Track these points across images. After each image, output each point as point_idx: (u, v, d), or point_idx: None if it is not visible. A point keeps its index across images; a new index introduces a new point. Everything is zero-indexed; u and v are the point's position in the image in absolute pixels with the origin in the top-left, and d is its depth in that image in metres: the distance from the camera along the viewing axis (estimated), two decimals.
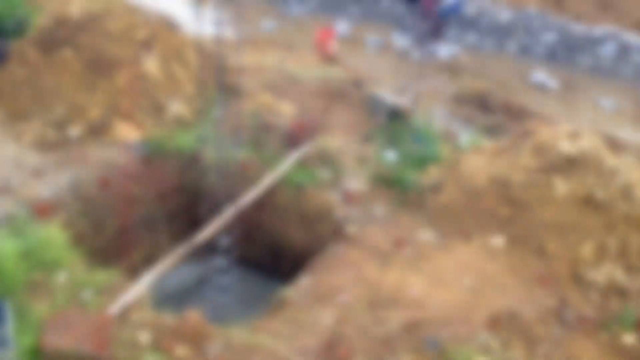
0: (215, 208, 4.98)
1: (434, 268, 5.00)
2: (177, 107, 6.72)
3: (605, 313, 5.15)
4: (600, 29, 11.84)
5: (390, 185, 6.57)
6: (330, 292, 4.76)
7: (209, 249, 5.13)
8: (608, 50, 11.68)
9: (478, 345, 4.17)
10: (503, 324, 4.53)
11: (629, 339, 4.93)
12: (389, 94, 8.32)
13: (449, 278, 4.86)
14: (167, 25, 9.02)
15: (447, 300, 4.54)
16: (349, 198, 6.15)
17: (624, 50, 11.55)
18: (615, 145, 8.56)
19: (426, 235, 5.67)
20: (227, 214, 4.98)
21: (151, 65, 6.86)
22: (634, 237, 5.48)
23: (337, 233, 5.68)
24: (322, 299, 4.67)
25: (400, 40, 12.96)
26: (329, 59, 10.24)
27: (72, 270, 4.38)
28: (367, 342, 4.07)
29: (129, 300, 4.17)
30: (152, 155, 6.22)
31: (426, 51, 11.40)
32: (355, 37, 13.38)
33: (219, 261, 5.06)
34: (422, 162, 7.09)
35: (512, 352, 4.31)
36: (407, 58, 8.70)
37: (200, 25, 4.13)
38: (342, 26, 13.64)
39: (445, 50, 12.60)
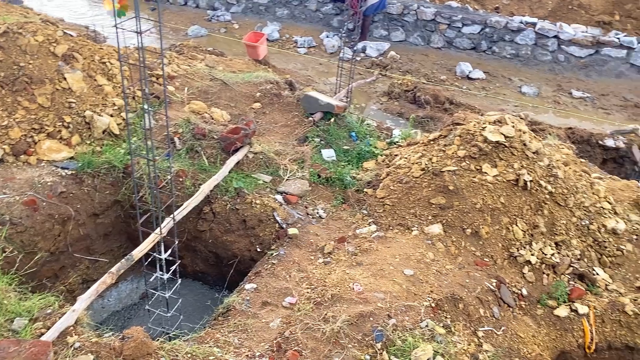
0: (151, 221, 4.86)
1: (375, 261, 5.08)
2: (105, 121, 6.52)
3: (539, 289, 5.42)
4: (517, 19, 12.43)
5: (330, 183, 6.65)
6: (276, 295, 4.76)
7: (148, 263, 5.00)
8: (526, 39, 12.28)
9: (423, 332, 4.28)
10: (445, 308, 4.68)
11: (562, 311, 5.21)
12: (322, 94, 8.39)
13: (391, 269, 4.96)
14: (89, 38, 8.74)
15: (391, 291, 4.63)
16: (290, 200, 6.16)
17: (541, 39, 12.19)
18: (538, 128, 9.04)
19: (367, 229, 5.76)
20: (164, 226, 4.87)
21: (74, 79, 6.62)
22: (560, 214, 5.79)
23: (279, 236, 5.68)
24: (268, 303, 4.67)
25: (330, 40, 13.12)
26: (260, 62, 10.22)
27: (1, 300, 4.16)
28: (315, 342, 4.09)
29: (66, 324, 4.01)
30: (82, 172, 6.01)
31: (356, 50, 11.58)
32: (285, 39, 13.43)
33: (160, 275, 4.94)
34: (359, 158, 7.22)
35: (456, 335, 4.46)
36: (337, 57, 8.80)
37: (124, 35, 4.01)
38: (271, 28, 13.65)
39: (374, 47, 12.86)
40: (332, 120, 7.60)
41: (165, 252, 4.90)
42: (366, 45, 12.86)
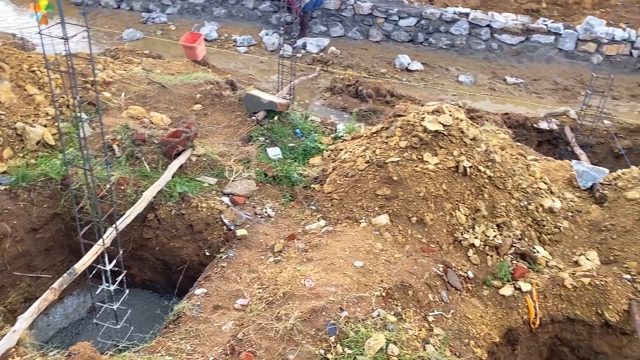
0: (94, 232, 4.71)
1: (326, 256, 5.12)
2: (38, 132, 6.26)
3: (484, 270, 5.61)
4: (451, 10, 12.76)
5: (277, 182, 6.64)
6: (227, 298, 4.72)
7: (93, 275, 4.85)
8: (460, 29, 12.62)
9: (375, 322, 4.35)
10: (396, 296, 4.77)
11: (507, 290, 5.41)
12: (264, 92, 8.36)
13: (341, 262, 5.00)
14: (16, 46, 8.36)
15: (342, 284, 4.68)
16: (237, 201, 6.12)
17: (474, 28, 12.56)
18: (476, 115, 9.33)
19: (316, 225, 5.80)
20: (106, 237, 4.74)
21: (2, 90, 6.32)
22: (500, 196, 6.01)
23: (228, 238, 5.63)
24: (219, 306, 4.62)
25: (270, 38, 13.07)
26: (199, 62, 10.07)
27: None
28: (269, 341, 4.09)
29: (7, 346, 3.84)
30: (17, 186, 5.75)
31: (296, 46, 11.60)
32: (223, 38, 13.28)
33: (106, 287, 4.81)
34: (305, 155, 7.25)
35: (407, 321, 4.55)
36: (278, 55, 8.79)
37: (53, 42, 3.87)
38: (209, 28, 13.47)
39: (314, 44, 12.90)
40: (276, 118, 7.59)
41: (110, 263, 4.77)
42: (306, 42, 12.89)
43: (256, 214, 6.03)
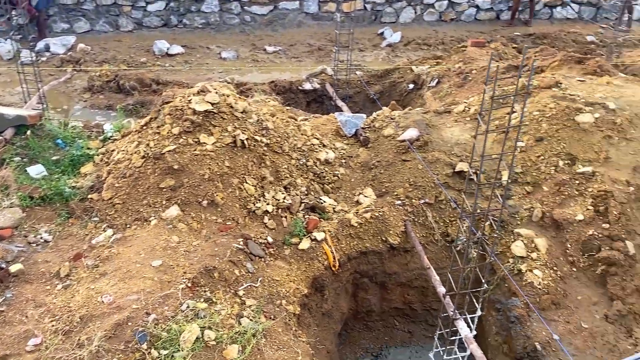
0: None
1: (120, 265, 4.83)
2: None
3: (282, 232, 5.87)
4: None
5: (48, 202, 5.99)
6: (16, 343, 4.17)
7: None
8: (211, 6, 12.65)
9: (185, 314, 4.28)
10: (202, 283, 4.74)
11: (305, 244, 5.75)
12: (7, 107, 7.39)
13: (139, 267, 4.78)
14: None
15: (143, 289, 4.48)
16: (2, 235, 5.37)
17: (224, 4, 12.70)
18: (245, 89, 9.55)
19: (103, 237, 5.41)
20: None
21: None
22: (280, 160, 6.29)
23: (2, 278, 4.93)
24: (7, 355, 4.06)
25: (4, 46, 11.52)
26: None
27: None
28: None
29: None
30: None
31: (37, 50, 10.42)
32: None
33: None
34: (74, 165, 6.66)
35: (219, 303, 4.57)
36: (17, 63, 7.76)
37: None
38: None
39: (58, 43, 11.75)
40: (29, 132, 6.81)
41: None
42: (48, 43, 11.65)
43: (30, 242, 5.39)
